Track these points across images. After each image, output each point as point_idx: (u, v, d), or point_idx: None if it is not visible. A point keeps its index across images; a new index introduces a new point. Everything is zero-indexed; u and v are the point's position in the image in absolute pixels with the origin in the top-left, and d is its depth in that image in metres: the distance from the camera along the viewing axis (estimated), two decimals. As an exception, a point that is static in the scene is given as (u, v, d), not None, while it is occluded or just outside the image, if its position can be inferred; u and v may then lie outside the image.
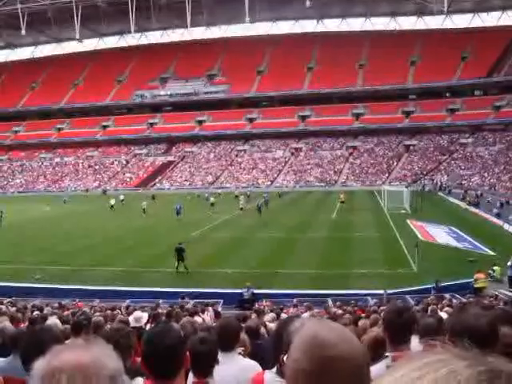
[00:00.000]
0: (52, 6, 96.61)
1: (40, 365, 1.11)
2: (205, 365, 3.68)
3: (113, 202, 58.82)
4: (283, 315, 15.26)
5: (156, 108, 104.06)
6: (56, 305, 19.72)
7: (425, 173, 79.10)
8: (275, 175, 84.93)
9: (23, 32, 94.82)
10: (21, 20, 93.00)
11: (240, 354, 4.87)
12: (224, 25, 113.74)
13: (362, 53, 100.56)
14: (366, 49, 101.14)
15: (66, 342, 5.58)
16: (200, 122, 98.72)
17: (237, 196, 61.50)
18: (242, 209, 51.40)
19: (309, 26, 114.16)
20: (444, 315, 8.36)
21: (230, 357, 4.28)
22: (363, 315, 12.40)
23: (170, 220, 47.18)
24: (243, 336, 5.70)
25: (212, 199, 56.26)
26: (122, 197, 63.92)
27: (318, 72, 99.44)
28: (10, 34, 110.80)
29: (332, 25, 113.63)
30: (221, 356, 3.93)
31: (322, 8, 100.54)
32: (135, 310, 15.07)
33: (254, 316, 13.66)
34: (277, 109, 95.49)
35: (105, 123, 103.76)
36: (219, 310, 19.53)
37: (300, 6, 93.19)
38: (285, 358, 1.58)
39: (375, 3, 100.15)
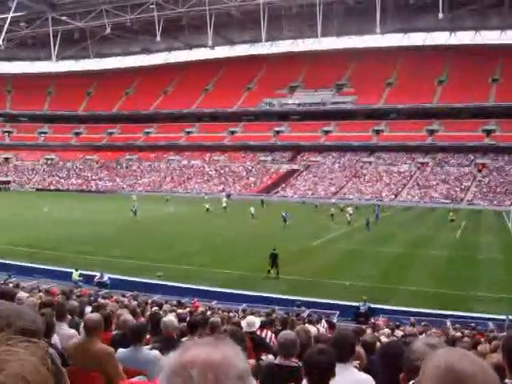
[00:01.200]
0: (186, 14, 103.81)
1: (171, 358, 1.19)
2: (323, 375, 3.88)
3: (208, 205, 62.90)
4: (398, 332, 16.40)
5: (283, 116, 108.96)
6: (175, 302, 21.32)
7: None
8: (399, 189, 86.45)
9: (158, 38, 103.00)
10: (156, 26, 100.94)
11: (356, 367, 5.01)
12: (354, 35, 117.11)
13: (495, 67, 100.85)
14: (501, 63, 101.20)
15: (183, 339, 7.08)
16: (326, 132, 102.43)
17: (342, 209, 62.36)
18: (349, 222, 52.12)
19: (441, 38, 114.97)
20: None
21: (344, 369, 4.39)
22: (482, 339, 12.68)
23: (288, 227, 49.76)
24: (359, 349, 6.06)
25: (332, 210, 57.91)
26: (224, 203, 67.89)
27: (448, 85, 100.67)
28: (145, 39, 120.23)
29: (465, 37, 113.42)
30: (336, 367, 4.05)
31: (455, 20, 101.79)
32: (252, 313, 15.98)
33: (369, 331, 14.15)
34: (404, 122, 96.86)
35: (232, 129, 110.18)
36: (334, 321, 19.69)
37: (432, 18, 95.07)
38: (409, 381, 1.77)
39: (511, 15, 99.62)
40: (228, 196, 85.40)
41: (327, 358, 3.95)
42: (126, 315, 9.23)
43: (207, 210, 62.62)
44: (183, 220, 56.62)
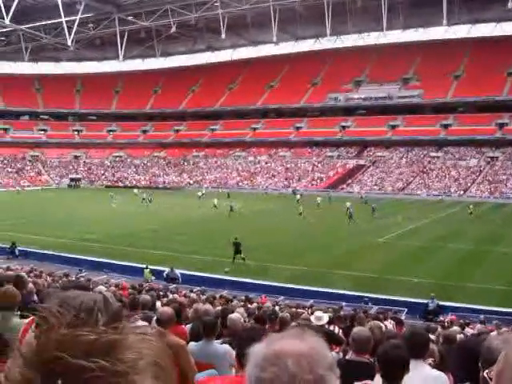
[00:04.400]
0: (251, 11, 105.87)
1: (260, 350, 1.22)
2: (397, 370, 3.94)
3: (216, 201, 63.83)
4: (468, 330, 16.45)
5: (349, 111, 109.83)
6: (243, 298, 21.92)
7: None
8: (468, 184, 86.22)
9: (223, 35, 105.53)
10: (221, 24, 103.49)
11: (430, 364, 5.01)
12: (420, 28, 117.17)
13: None
14: None
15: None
16: (393, 127, 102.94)
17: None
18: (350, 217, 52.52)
19: (510, 28, 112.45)
20: None
21: (418, 365, 4.42)
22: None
23: (353, 223, 50.45)
24: (433, 347, 6.00)
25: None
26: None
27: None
28: (210, 37, 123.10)
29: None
30: (410, 363, 4.08)
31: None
32: (319, 309, 15.64)
33: (439, 329, 14.62)
34: (473, 115, 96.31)
35: (298, 124, 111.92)
36: (402, 318, 19.04)
37: (501, 7, 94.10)
38: (490, 376, 1.75)
39: None
40: (294, 192, 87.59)
41: (402, 353, 4.04)
42: (200, 309, 9.63)
43: (214, 206, 62.82)
44: (249, 216, 58.35)
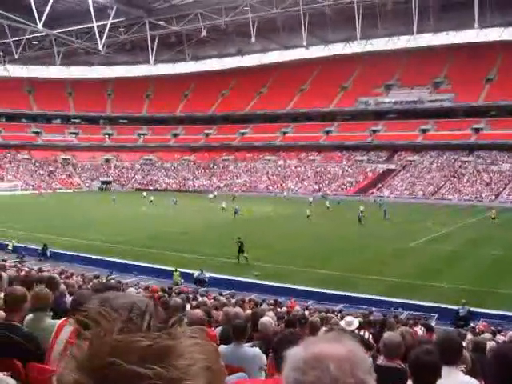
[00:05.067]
0: (281, 15, 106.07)
1: (298, 353, 1.22)
2: (429, 376, 3.91)
3: (224, 204, 66.47)
4: (500, 337, 15.99)
5: (379, 115, 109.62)
6: (271, 301, 21.90)
7: None
8: (500, 189, 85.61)
9: (253, 40, 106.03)
10: (251, 28, 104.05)
11: (462, 371, 4.89)
12: (451, 31, 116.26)
13: None
14: None
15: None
16: (423, 131, 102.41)
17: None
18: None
19: None
20: None
21: (450, 371, 4.35)
22: None
23: (387, 226, 51.62)
24: (465, 353, 5.92)
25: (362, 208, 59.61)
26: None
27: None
28: (240, 41, 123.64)
29: None
30: (442, 370, 4.07)
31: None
32: (349, 314, 15.95)
33: (469, 335, 14.36)
34: (505, 119, 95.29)
35: (328, 129, 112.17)
36: (433, 324, 18.83)
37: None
38: None
39: None
40: (324, 196, 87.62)
41: (434, 359, 4.00)
42: (230, 312, 9.55)
43: (223, 209, 65.40)
44: (279, 220, 58.63)
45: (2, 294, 5.98)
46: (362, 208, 57.84)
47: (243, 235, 36.40)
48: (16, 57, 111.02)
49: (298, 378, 1.17)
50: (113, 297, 1.28)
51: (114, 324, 0.93)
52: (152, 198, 74.32)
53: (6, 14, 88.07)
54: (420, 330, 14.46)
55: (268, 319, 8.93)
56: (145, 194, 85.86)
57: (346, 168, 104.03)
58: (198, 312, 6.99)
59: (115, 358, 0.88)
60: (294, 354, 1.23)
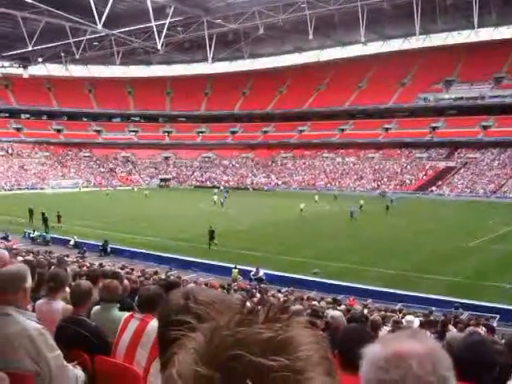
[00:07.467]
0: (338, 11, 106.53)
1: (377, 350, 1.21)
2: (499, 377, 3.75)
3: (215, 198, 70.69)
4: None
5: (439, 111, 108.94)
6: (329, 299, 21.43)
7: None
8: None
9: (310, 36, 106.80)
10: (308, 25, 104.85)
11: None
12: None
13: None
14: None
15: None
16: (485, 128, 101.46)
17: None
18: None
19: None
20: None
21: None
22: None
23: (445, 225, 50.55)
24: None
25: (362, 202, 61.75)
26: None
27: None
28: (297, 38, 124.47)
29: None
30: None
31: None
32: (410, 314, 15.85)
33: None
34: None
35: (387, 125, 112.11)
36: (494, 325, 18.42)
37: None
38: None
39: None
40: (382, 194, 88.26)
41: (505, 359, 3.88)
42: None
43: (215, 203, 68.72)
44: (335, 217, 58.47)
45: (68, 289, 6.20)
46: (361, 202, 60.50)
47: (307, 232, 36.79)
48: (77, 57, 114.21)
49: (381, 376, 1.17)
50: (197, 290, 1.30)
51: (232, 317, 0.93)
52: (216, 198, 74.61)
53: (67, 15, 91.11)
54: (481, 331, 13.92)
55: (340, 313, 9.09)
56: (216, 191, 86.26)
57: (405, 165, 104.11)
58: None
59: (240, 351, 0.88)
60: (373, 351, 1.23)
